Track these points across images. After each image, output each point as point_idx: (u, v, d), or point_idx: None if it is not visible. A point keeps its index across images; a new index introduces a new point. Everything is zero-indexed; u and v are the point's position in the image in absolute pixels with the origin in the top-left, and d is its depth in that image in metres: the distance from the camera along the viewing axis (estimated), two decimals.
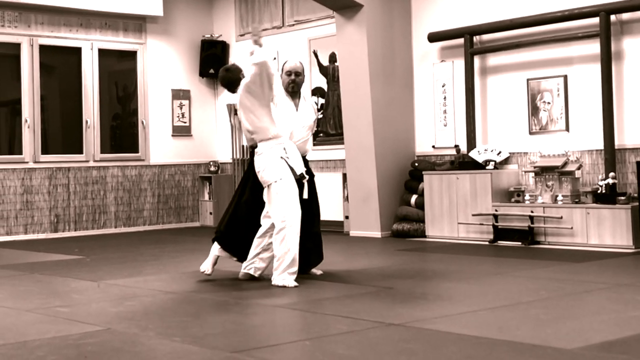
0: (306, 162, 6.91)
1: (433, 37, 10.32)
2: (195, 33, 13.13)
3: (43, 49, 11.68)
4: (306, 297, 5.98)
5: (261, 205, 6.66)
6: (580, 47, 9.16)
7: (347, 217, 10.87)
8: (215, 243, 6.81)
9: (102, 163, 12.13)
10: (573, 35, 9.14)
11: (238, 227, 6.76)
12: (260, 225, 6.67)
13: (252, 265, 6.70)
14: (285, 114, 6.78)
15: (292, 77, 6.87)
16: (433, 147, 10.49)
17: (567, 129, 9.24)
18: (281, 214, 6.42)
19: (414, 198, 10.22)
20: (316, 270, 7.00)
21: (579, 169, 8.90)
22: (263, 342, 4.63)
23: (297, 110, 6.90)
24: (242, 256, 6.81)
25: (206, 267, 6.82)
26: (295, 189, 6.49)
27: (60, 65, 12.17)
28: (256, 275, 6.69)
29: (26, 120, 11.46)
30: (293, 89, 6.90)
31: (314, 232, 6.87)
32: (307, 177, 6.60)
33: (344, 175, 10.94)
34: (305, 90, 11.73)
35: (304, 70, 7.04)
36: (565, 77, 9.26)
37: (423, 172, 10.05)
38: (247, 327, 5.10)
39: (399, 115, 10.56)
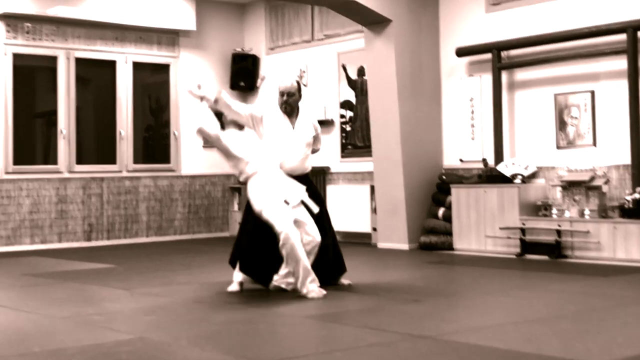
0: (307, 179, 6.88)
1: (461, 52, 10.30)
2: (226, 47, 13.19)
3: (79, 61, 11.79)
4: (335, 309, 5.97)
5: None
6: (608, 63, 9.09)
7: (374, 229, 10.85)
8: (237, 270, 6.81)
9: (135, 173, 12.20)
10: (600, 51, 9.08)
11: (253, 252, 6.73)
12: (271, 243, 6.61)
13: (284, 280, 6.66)
14: (280, 133, 6.76)
15: (285, 97, 6.80)
16: (461, 160, 10.45)
17: (595, 144, 9.16)
18: (277, 233, 6.40)
19: (441, 211, 10.18)
20: (344, 280, 6.98)
21: (606, 183, 8.82)
22: (293, 353, 4.61)
23: (293, 128, 6.84)
24: (263, 279, 6.78)
25: (233, 289, 6.81)
26: (279, 206, 6.45)
27: (95, 77, 12.27)
28: (288, 289, 6.67)
29: (62, 131, 11.56)
30: (286, 110, 6.83)
31: (326, 244, 6.76)
32: (290, 203, 6.50)
33: (372, 188, 10.92)
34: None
35: (300, 89, 6.89)
36: (593, 92, 9.20)
37: (451, 185, 10.01)
38: (277, 338, 5.10)
39: (426, 128, 10.54)
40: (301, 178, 6.80)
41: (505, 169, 9.58)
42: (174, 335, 4.98)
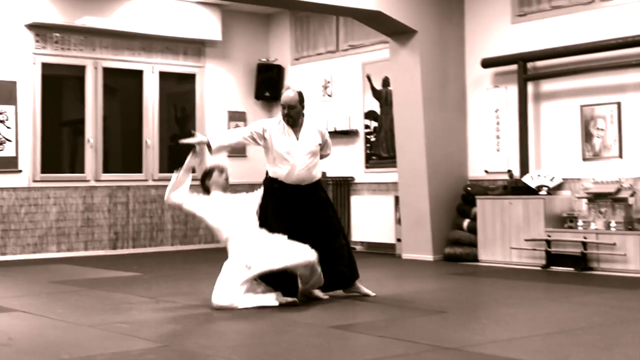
0: (316, 186, 6.94)
1: (486, 63, 10.26)
2: (251, 57, 13.22)
3: (107, 71, 11.86)
4: (360, 319, 5.95)
5: (290, 235, 6.68)
6: (635, 75, 9.02)
7: (399, 240, 10.80)
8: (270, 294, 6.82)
9: (161, 182, 12.22)
10: (627, 62, 8.99)
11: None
12: None
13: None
14: (285, 145, 6.81)
15: (286, 110, 6.84)
16: (486, 171, 10.40)
17: (621, 156, 9.09)
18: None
19: (466, 222, 10.13)
20: (365, 290, 6.97)
21: (632, 195, 8.74)
22: None
23: (297, 139, 6.87)
24: (289, 291, 6.80)
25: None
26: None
27: (122, 87, 12.34)
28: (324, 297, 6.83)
29: (89, 140, 11.62)
30: (289, 122, 6.87)
31: (340, 245, 6.91)
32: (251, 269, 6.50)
33: (396, 198, 10.88)
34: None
35: (301, 100, 6.88)
36: (619, 104, 9.12)
37: (476, 197, 9.96)
38: (305, 348, 5.07)
39: (451, 139, 10.51)
40: (311, 185, 6.88)
41: (530, 180, 9.53)
42: (199, 344, 4.98)
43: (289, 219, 6.77)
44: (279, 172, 6.83)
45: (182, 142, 6.93)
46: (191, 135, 6.96)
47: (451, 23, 10.58)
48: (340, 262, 6.89)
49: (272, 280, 6.57)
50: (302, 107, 6.90)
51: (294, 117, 6.83)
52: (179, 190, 6.73)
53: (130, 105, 12.31)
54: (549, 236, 9.10)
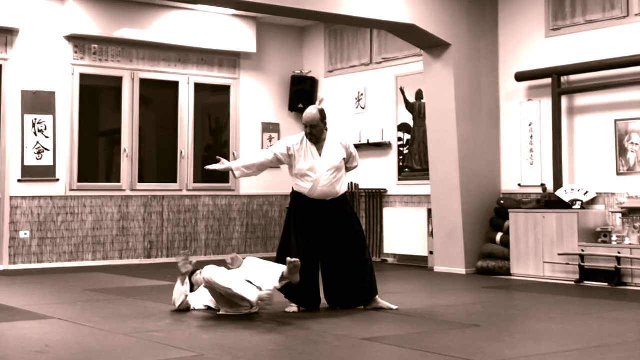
0: (341, 201, 6.98)
1: (520, 77, 10.21)
2: (285, 69, 13.26)
3: (143, 82, 11.95)
4: (392, 332, 5.92)
5: (313, 249, 6.80)
6: None
7: (431, 253, 10.76)
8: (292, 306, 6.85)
9: (195, 192, 12.30)
10: None
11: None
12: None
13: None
14: (308, 163, 6.89)
15: (308, 129, 6.92)
16: (519, 185, 10.33)
17: None
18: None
19: (499, 236, 10.06)
20: (386, 304, 6.96)
21: None
22: None
23: (320, 155, 6.93)
24: (311, 305, 6.85)
25: (291, 310, 6.83)
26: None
27: (158, 98, 12.42)
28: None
29: (125, 150, 11.71)
30: (312, 140, 6.94)
31: (364, 259, 6.98)
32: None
33: (429, 211, 10.84)
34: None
35: (322, 118, 6.94)
36: None
37: (509, 210, 9.89)
38: (337, 359, 5.07)
39: (485, 152, 10.45)
40: (336, 200, 6.93)
41: (564, 194, 9.45)
42: (233, 354, 4.98)
43: (311, 233, 6.85)
44: (303, 187, 6.91)
45: (207, 169, 7.05)
46: (217, 160, 7.08)
47: (485, 36, 10.55)
48: (363, 277, 6.93)
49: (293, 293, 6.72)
50: (324, 125, 6.98)
51: (316, 135, 6.92)
52: (182, 297, 6.80)
53: (165, 115, 12.39)
54: (583, 251, 9.01)
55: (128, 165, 11.75)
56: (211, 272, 6.49)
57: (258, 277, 6.46)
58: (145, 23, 11.67)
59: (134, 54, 11.88)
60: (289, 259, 6.40)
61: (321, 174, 6.86)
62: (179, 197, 12.17)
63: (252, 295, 6.35)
